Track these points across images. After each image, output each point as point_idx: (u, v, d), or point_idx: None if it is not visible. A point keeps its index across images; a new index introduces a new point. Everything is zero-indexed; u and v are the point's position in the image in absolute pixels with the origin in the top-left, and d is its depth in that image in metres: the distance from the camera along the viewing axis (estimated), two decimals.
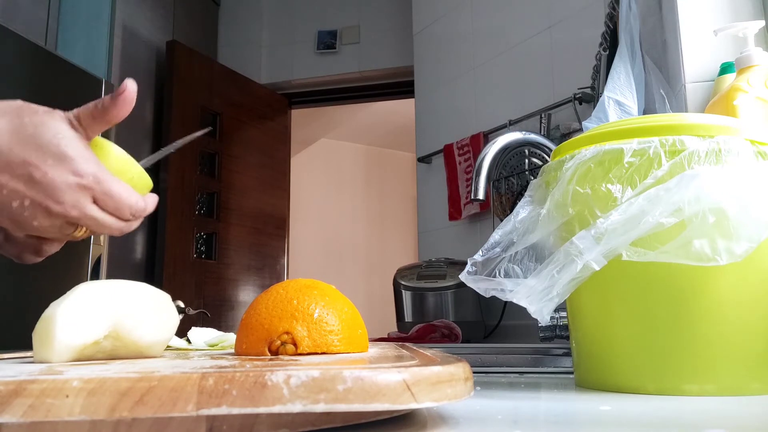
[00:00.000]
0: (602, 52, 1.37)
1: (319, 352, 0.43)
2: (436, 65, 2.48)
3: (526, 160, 1.86)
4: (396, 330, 1.91)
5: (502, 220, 0.56)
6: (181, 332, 0.60)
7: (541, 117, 1.89)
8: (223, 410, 0.27)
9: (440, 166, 2.32)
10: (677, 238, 0.43)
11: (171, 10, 3.16)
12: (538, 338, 1.17)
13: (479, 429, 0.34)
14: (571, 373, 0.59)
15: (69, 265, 1.97)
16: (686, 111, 0.94)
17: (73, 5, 2.50)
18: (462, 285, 1.24)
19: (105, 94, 0.60)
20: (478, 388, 0.52)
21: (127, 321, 0.42)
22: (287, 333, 0.43)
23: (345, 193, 5.48)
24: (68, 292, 0.41)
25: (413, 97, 2.61)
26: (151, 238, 2.82)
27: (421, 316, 1.86)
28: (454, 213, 2.21)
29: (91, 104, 0.50)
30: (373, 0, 3.43)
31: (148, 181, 0.56)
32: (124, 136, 2.60)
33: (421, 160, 2.45)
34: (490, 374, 0.68)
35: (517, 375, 0.67)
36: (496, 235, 0.55)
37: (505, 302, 1.18)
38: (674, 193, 0.43)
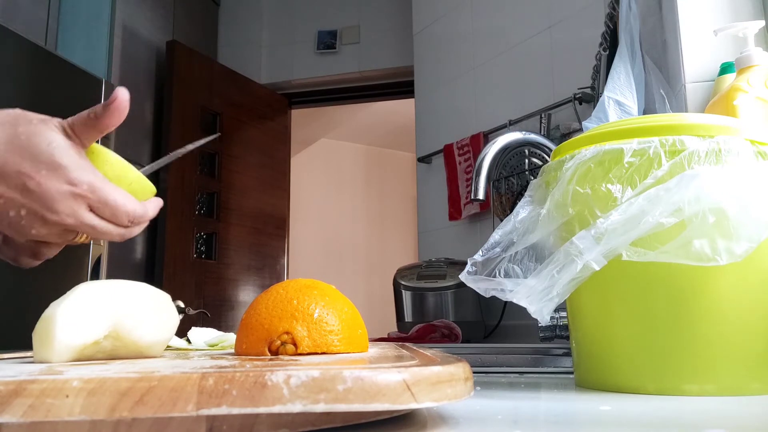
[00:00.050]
0: (602, 52, 1.37)
1: (319, 352, 0.43)
2: (436, 65, 2.48)
3: (526, 160, 1.86)
4: (396, 330, 1.91)
5: (502, 220, 0.56)
6: (181, 332, 0.60)
7: (541, 117, 1.89)
8: (223, 410, 0.27)
9: (440, 166, 2.32)
10: (677, 238, 0.43)
11: (171, 10, 3.16)
12: (538, 338, 1.17)
13: (479, 429, 0.34)
14: (571, 373, 0.59)
15: (69, 265, 1.97)
16: (686, 111, 0.94)
17: (73, 5, 2.50)
18: (462, 285, 1.24)
19: (105, 94, 0.60)
20: (478, 388, 0.52)
21: (127, 321, 0.42)
22: (287, 333, 0.43)
23: (345, 193, 5.48)
24: (68, 292, 0.41)
25: (413, 97, 2.61)
26: (151, 238, 2.82)
27: (421, 316, 1.86)
28: (454, 213, 2.20)
29: (84, 113, 0.50)
30: (373, 0, 3.43)
31: (148, 187, 0.55)
32: (124, 136, 2.60)
33: (421, 160, 2.45)
34: (490, 374, 0.68)
35: (517, 375, 0.67)
36: (496, 235, 0.55)
37: (505, 302, 1.18)
38: (674, 193, 0.43)
